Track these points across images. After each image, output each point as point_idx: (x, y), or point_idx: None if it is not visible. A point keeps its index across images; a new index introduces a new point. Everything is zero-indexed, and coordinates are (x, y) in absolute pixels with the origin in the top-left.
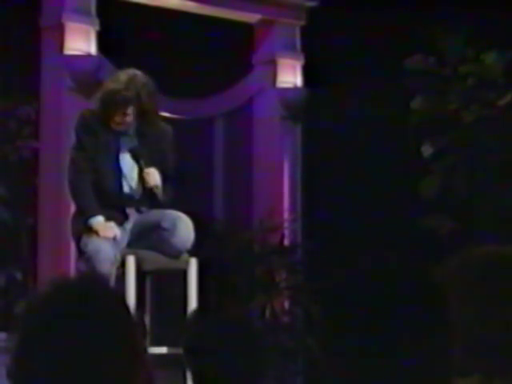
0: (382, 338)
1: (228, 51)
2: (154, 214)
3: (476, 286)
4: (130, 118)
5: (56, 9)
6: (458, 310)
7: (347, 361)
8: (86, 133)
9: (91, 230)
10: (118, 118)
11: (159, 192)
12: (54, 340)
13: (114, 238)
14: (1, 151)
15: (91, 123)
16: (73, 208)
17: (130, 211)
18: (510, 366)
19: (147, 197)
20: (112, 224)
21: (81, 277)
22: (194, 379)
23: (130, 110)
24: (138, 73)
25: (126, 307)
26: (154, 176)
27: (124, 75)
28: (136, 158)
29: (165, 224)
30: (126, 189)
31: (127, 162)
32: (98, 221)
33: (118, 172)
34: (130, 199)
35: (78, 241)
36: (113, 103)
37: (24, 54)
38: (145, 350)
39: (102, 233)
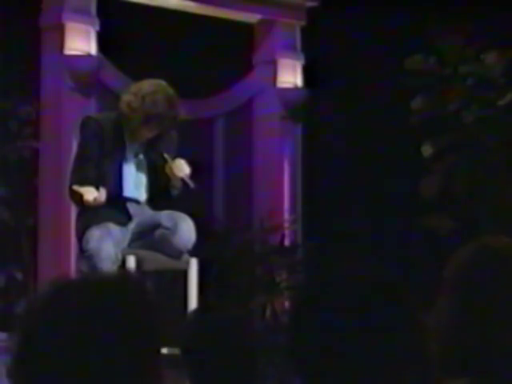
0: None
1: (228, 51)
2: (155, 214)
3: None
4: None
5: (56, 9)
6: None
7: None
8: (93, 139)
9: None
10: (146, 134)
11: (189, 181)
12: (55, 340)
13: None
14: (1, 151)
15: (100, 129)
16: (74, 208)
17: (134, 212)
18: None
19: (155, 198)
20: (93, 189)
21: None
22: (193, 379)
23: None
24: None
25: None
26: (183, 166)
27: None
28: (150, 159)
29: (166, 223)
30: (129, 191)
31: (134, 165)
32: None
33: (121, 175)
34: (133, 201)
35: (80, 239)
36: (158, 124)
37: (24, 54)
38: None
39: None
